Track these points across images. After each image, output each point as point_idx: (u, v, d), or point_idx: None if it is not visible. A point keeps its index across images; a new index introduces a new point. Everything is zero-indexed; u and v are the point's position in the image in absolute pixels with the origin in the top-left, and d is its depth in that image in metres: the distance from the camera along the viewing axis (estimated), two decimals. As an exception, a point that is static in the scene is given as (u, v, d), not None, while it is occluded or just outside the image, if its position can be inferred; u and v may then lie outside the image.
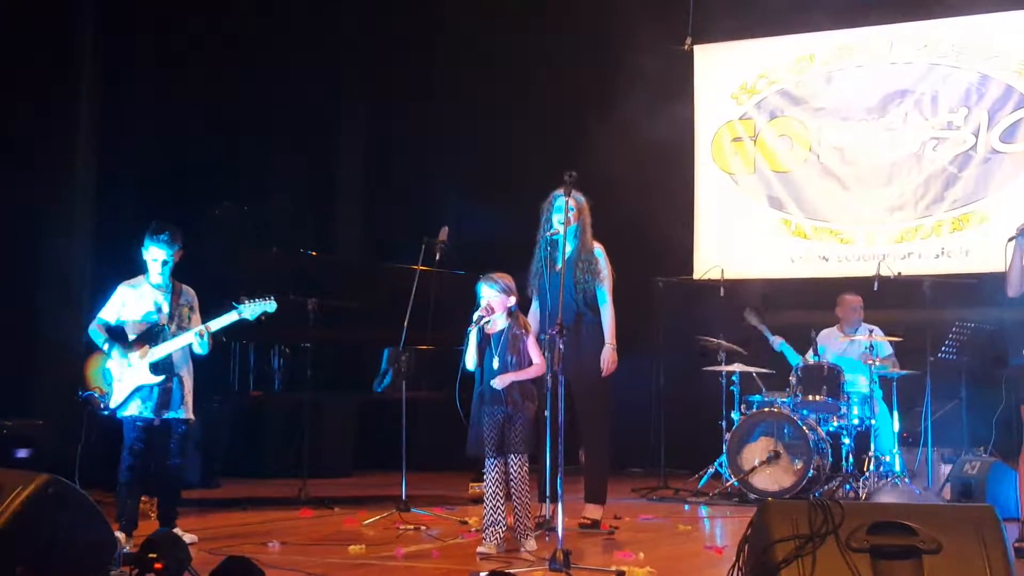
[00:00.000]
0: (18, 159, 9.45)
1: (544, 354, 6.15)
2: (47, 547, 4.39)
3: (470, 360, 6.11)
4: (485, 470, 6.08)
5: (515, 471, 6.05)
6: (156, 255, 6.33)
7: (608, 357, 6.94)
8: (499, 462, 6.05)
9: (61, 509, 4.49)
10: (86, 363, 6.45)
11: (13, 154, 9.41)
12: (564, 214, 6.69)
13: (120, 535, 6.06)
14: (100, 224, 9.82)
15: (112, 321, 6.40)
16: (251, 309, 6.32)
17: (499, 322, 6.14)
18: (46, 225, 9.50)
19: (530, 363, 6.12)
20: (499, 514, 6.00)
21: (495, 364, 6.06)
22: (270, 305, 6.36)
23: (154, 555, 4.74)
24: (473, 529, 6.72)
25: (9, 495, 4.25)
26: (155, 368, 6.25)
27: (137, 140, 10.46)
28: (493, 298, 6.09)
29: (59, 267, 9.45)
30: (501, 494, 6.03)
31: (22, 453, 8.18)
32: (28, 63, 9.46)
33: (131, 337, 6.34)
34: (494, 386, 6.01)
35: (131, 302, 6.39)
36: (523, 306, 7.02)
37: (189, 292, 6.50)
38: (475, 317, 6.07)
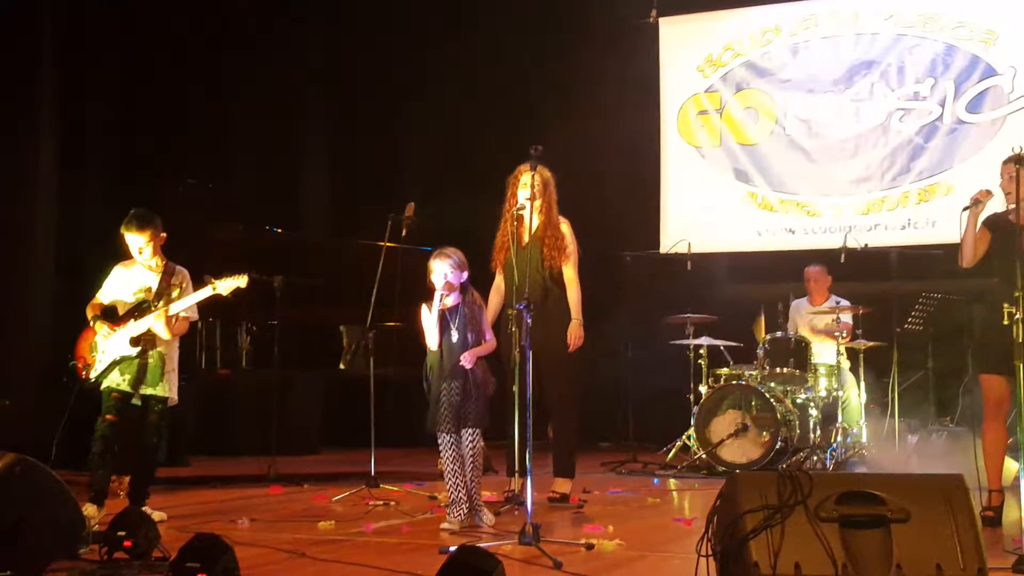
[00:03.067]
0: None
1: (511, 329, 6.13)
2: (15, 527, 4.36)
3: (432, 340, 6.08)
4: (441, 447, 6.06)
5: (467, 444, 6.04)
6: (132, 243, 6.40)
7: (575, 333, 6.93)
8: (455, 438, 6.04)
9: (28, 488, 4.46)
10: (80, 335, 6.47)
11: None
12: (530, 188, 6.66)
13: (90, 507, 6.05)
14: (64, 203, 9.76)
15: (107, 301, 6.46)
16: (225, 284, 6.33)
17: (450, 297, 6.11)
18: (13, 208, 9.42)
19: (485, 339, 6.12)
20: (459, 490, 6.00)
21: (454, 339, 6.03)
22: (242, 280, 6.37)
23: (123, 533, 4.73)
24: (442, 504, 6.71)
25: (-26, 476, 4.21)
26: (135, 340, 6.24)
27: (99, 119, 10.39)
28: (448, 273, 6.05)
29: (22, 249, 9.37)
30: (459, 469, 6.02)
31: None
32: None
33: (121, 314, 6.36)
34: (463, 364, 5.98)
35: (124, 281, 6.46)
36: (487, 280, 7.02)
37: (182, 272, 6.53)
38: (436, 297, 6.02)
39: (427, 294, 6.18)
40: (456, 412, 6.01)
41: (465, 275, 6.12)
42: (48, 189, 9.83)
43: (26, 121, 9.79)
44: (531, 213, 6.69)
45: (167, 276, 6.43)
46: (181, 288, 6.43)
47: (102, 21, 10.31)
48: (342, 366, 8.79)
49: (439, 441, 6.06)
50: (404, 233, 7.86)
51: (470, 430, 6.03)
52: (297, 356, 8.59)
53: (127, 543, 4.70)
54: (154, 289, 6.39)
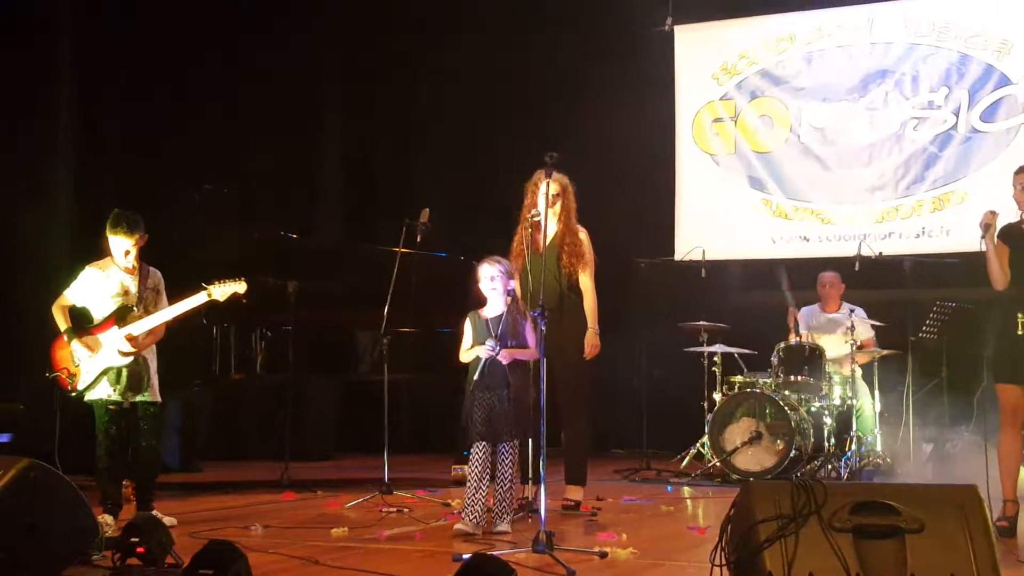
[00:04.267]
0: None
1: (529, 337, 6.13)
2: (28, 532, 4.38)
3: (470, 353, 6.09)
4: (472, 451, 6.07)
5: (507, 455, 6.04)
6: (119, 245, 6.31)
7: (591, 341, 6.94)
8: (486, 445, 6.03)
9: (42, 494, 4.48)
10: (53, 345, 6.40)
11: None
12: (546, 195, 6.66)
13: (106, 517, 6.06)
14: (79, 207, 9.79)
15: (77, 303, 6.38)
16: (221, 290, 6.28)
17: (497, 305, 6.11)
18: (25, 210, 9.46)
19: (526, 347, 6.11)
20: (480, 495, 6.00)
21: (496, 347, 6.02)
22: (240, 286, 6.32)
23: (136, 539, 4.73)
24: (456, 511, 6.72)
25: (-11, 480, 4.23)
26: (124, 351, 6.22)
27: (117, 123, 10.44)
28: (498, 276, 6.06)
29: (38, 252, 9.41)
30: (486, 477, 6.02)
31: (3, 438, 8.15)
32: (5, 55, 9.46)
33: (96, 319, 6.31)
34: (501, 360, 5.96)
35: (98, 283, 6.36)
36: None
37: (156, 275, 6.46)
38: (483, 351, 5.99)
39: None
40: (495, 422, 6.00)
41: (513, 284, 6.13)
42: (63, 193, 9.86)
43: (43, 127, 9.83)
44: (546, 220, 6.68)
45: (143, 279, 6.37)
46: (158, 291, 6.40)
47: (119, 27, 10.34)
48: (356, 371, 8.79)
49: (472, 449, 6.06)
50: (419, 238, 7.87)
51: (508, 443, 6.03)
52: (311, 361, 8.59)
53: (140, 549, 4.71)
54: (132, 291, 6.33)
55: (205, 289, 6.27)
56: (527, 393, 6.05)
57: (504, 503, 6.07)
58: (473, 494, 6.00)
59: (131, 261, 6.34)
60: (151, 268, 6.45)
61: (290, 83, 11.32)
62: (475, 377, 6.02)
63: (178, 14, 10.52)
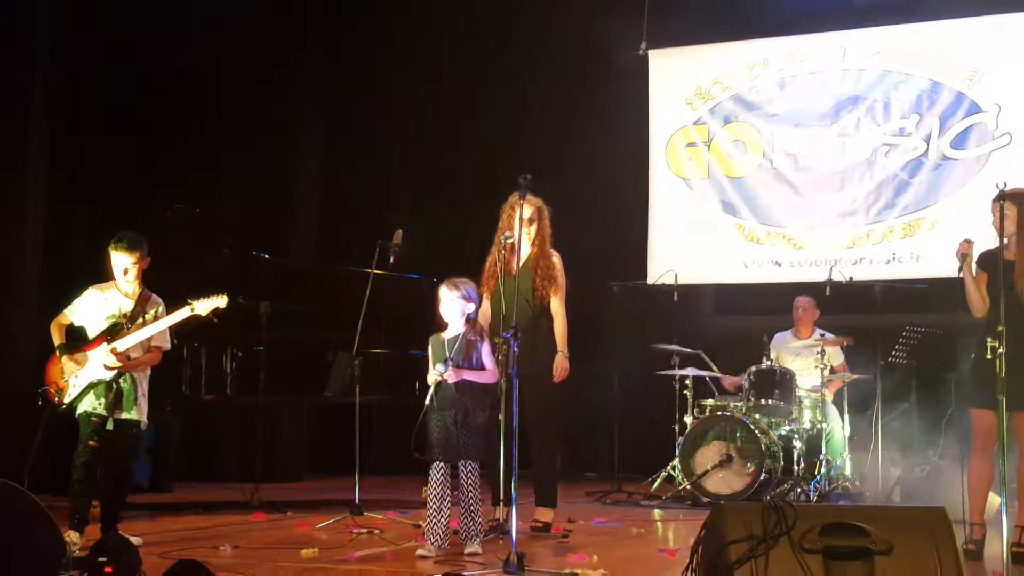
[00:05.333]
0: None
1: (498, 357, 6.15)
2: (-6, 552, 4.34)
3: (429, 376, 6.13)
4: (430, 473, 6.07)
5: (467, 478, 6.05)
6: (117, 263, 6.39)
7: (560, 365, 6.95)
8: (446, 466, 6.04)
9: (9, 513, 4.44)
10: (48, 360, 6.43)
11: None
12: (518, 217, 6.67)
13: (72, 535, 6.03)
14: (50, 222, 9.76)
15: (75, 322, 6.43)
16: (203, 305, 6.32)
17: (455, 326, 6.15)
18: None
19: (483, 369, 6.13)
20: (442, 516, 6.00)
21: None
22: (221, 300, 6.36)
23: (104, 559, 4.70)
24: (420, 533, 6.70)
25: (-44, 499, 4.19)
26: (109, 366, 6.22)
27: (88, 141, 10.40)
28: (456, 299, 6.10)
29: (8, 270, 9.35)
30: (446, 497, 6.02)
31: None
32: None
33: (91, 336, 6.33)
34: (447, 379, 5.99)
35: (97, 304, 6.42)
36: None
37: (157, 301, 6.50)
38: (433, 376, 6.06)
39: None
40: (450, 443, 6.01)
41: (471, 307, 6.16)
42: (34, 213, 9.81)
43: (15, 144, 9.77)
44: (519, 242, 6.69)
45: (142, 302, 6.41)
46: (155, 314, 6.42)
47: (93, 45, 10.32)
48: (327, 393, 8.76)
49: (430, 470, 6.06)
50: (392, 260, 7.87)
51: (467, 462, 6.04)
52: (283, 382, 8.56)
53: (108, 569, 4.67)
54: (128, 314, 6.36)
55: (189, 304, 6.31)
56: (481, 415, 6.07)
57: (472, 525, 6.06)
58: (434, 516, 6.01)
59: (131, 282, 6.38)
60: (153, 295, 6.49)
61: (267, 103, 11.31)
62: (428, 399, 6.06)
63: (156, 31, 10.49)
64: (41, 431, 6.50)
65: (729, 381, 9.62)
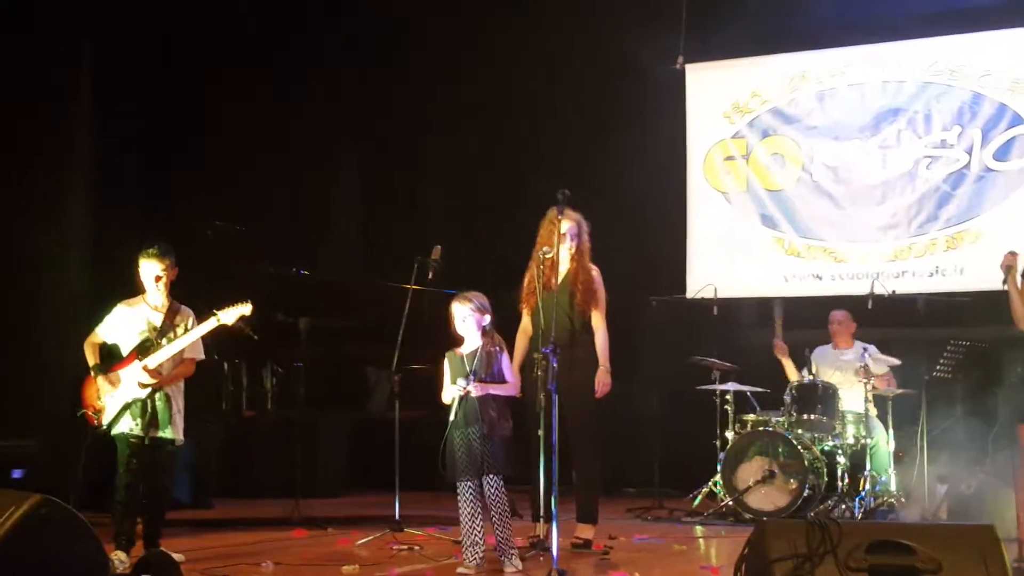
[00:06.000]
0: (17, 180, 9.47)
1: (537, 372, 6.13)
2: (39, 568, 4.35)
3: (446, 394, 6.10)
4: (459, 492, 6.04)
5: (493, 492, 6.01)
6: (148, 271, 6.39)
7: (602, 379, 6.93)
8: (473, 484, 6.01)
9: (54, 530, 4.45)
10: (84, 382, 6.43)
11: (11, 175, 9.43)
12: (556, 232, 6.66)
13: (119, 554, 6.05)
14: (97, 243, 9.83)
15: (108, 340, 6.45)
16: (228, 314, 6.32)
17: (472, 340, 6.12)
18: (44, 245, 9.49)
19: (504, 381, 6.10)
20: (476, 534, 5.98)
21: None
22: (246, 308, 6.37)
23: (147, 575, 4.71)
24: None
25: (1, 516, 4.21)
26: (143, 383, 6.23)
27: (134, 159, 10.48)
28: (469, 315, 6.08)
29: (56, 287, 9.44)
30: (478, 515, 6.00)
31: (16, 474, 8.14)
32: (24, 85, 9.52)
33: (124, 355, 6.35)
34: (472, 393, 5.96)
35: (126, 320, 6.44)
36: (511, 323, 7.02)
37: (187, 312, 6.50)
38: (454, 392, 6.03)
39: (452, 339, 6.20)
40: (475, 458, 5.98)
41: (487, 319, 6.13)
42: (80, 226, 9.89)
43: (61, 160, 9.86)
44: (557, 256, 6.68)
45: (171, 315, 6.42)
46: (186, 326, 6.42)
47: (136, 60, 10.41)
48: (368, 409, 8.78)
49: (457, 488, 6.04)
50: (431, 276, 7.87)
51: (491, 477, 6.01)
52: (322, 398, 8.58)
53: (151, 585, 4.70)
54: (158, 327, 6.37)
55: (214, 314, 6.32)
56: (506, 426, 6.05)
57: (506, 540, 6.02)
58: (468, 534, 5.98)
59: (161, 292, 6.39)
60: (183, 306, 6.50)
61: (306, 118, 11.36)
62: (451, 416, 6.02)
63: (198, 49, 10.57)
64: (83, 454, 6.53)
65: (779, 347, 9.50)
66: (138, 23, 10.27)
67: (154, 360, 6.26)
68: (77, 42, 10.00)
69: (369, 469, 10.68)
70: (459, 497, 6.03)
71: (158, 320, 6.39)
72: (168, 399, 6.35)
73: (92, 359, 6.42)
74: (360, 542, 7.16)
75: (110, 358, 6.42)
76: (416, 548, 6.94)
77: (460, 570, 5.95)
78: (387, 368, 7.89)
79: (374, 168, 12.05)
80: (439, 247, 7.92)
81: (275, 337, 8.33)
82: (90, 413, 6.36)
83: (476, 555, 5.95)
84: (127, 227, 9.97)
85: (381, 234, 11.75)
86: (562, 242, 6.75)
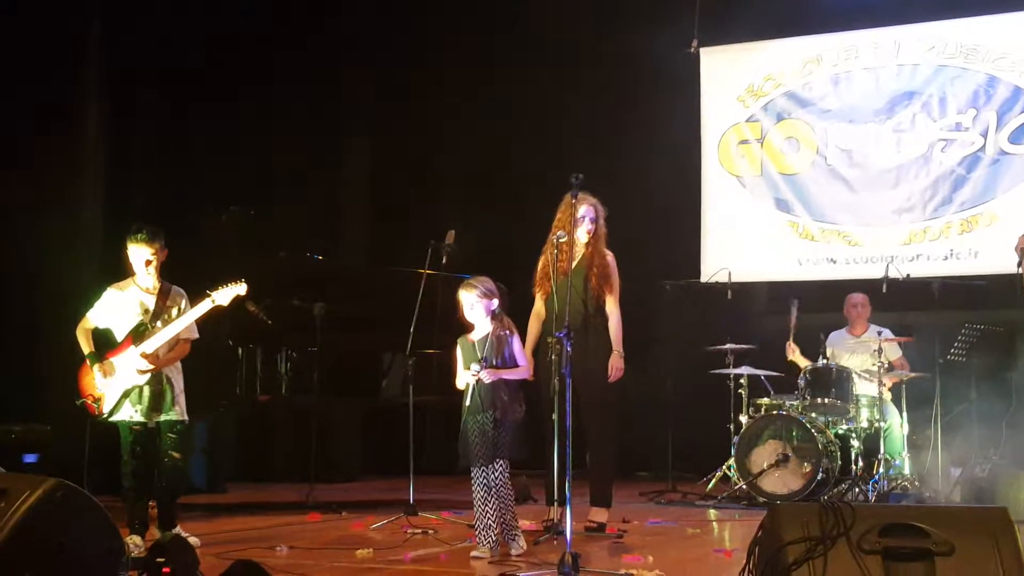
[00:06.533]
0: (21, 166, 9.48)
1: (551, 357, 6.14)
2: (55, 552, 4.38)
3: (459, 381, 6.13)
4: (472, 477, 6.06)
5: (497, 476, 6.03)
6: (137, 256, 6.32)
7: (615, 364, 6.92)
8: (485, 469, 6.03)
9: (69, 514, 4.48)
10: (80, 370, 6.42)
11: (16, 161, 9.45)
12: (570, 216, 6.66)
13: (134, 538, 6.07)
14: (105, 229, 9.84)
15: (100, 324, 6.40)
16: (223, 294, 6.29)
17: (482, 326, 6.13)
18: (50, 231, 9.50)
19: (516, 365, 6.11)
20: (490, 518, 6.00)
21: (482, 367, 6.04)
22: (240, 287, 6.32)
23: (162, 559, 4.73)
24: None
25: (17, 500, 4.23)
26: (141, 370, 6.22)
27: (143, 145, 10.50)
28: (477, 301, 6.08)
29: (64, 271, 9.46)
30: (491, 499, 6.01)
31: (30, 458, 8.18)
32: (34, 69, 9.53)
33: (118, 339, 6.33)
34: (483, 379, 5.97)
35: (118, 304, 6.38)
36: (527, 304, 7.02)
37: (179, 293, 6.46)
38: (468, 378, 6.05)
39: (465, 325, 6.21)
40: (488, 444, 6.00)
41: (495, 303, 6.13)
42: (90, 211, 9.90)
43: (70, 145, 9.87)
44: (572, 241, 6.67)
45: (163, 296, 6.36)
46: (179, 308, 6.40)
47: (147, 49, 10.41)
48: (382, 394, 8.79)
49: (472, 473, 6.06)
50: (444, 260, 7.87)
51: (498, 461, 6.02)
52: (337, 383, 8.60)
53: (166, 569, 4.70)
54: (151, 310, 6.34)
55: (208, 296, 6.29)
56: (519, 410, 6.06)
57: (510, 523, 6.05)
58: (483, 518, 6.00)
59: (152, 275, 6.34)
60: (174, 287, 6.45)
61: (319, 104, 11.37)
62: (466, 403, 6.04)
63: (211, 35, 10.58)
64: (88, 442, 6.54)
65: (790, 348, 9.46)
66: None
67: (150, 345, 6.22)
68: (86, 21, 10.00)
69: (383, 453, 10.72)
70: (473, 482, 6.05)
71: (151, 302, 6.34)
72: (169, 381, 6.32)
73: (86, 347, 6.34)
74: (374, 526, 7.18)
75: (105, 344, 6.35)
76: (430, 532, 6.95)
77: (474, 553, 5.97)
78: (401, 353, 7.90)
79: (388, 153, 12.04)
80: (453, 232, 7.92)
81: (290, 322, 8.35)
82: (89, 402, 6.32)
83: (490, 539, 5.97)
84: (137, 209, 10.02)
85: (396, 219, 11.75)
86: (579, 226, 6.74)
